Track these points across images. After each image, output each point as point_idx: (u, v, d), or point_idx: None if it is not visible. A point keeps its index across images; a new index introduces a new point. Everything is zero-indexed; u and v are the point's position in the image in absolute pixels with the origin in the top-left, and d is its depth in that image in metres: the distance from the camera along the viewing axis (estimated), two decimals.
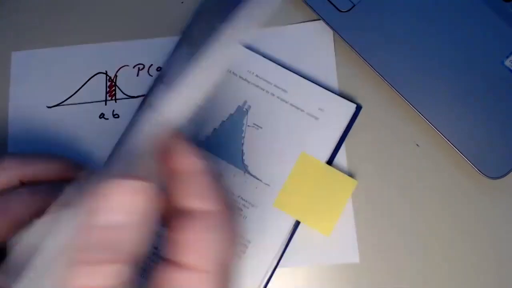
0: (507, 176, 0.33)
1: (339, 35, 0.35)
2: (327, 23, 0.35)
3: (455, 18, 0.35)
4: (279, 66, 0.36)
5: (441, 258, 0.34)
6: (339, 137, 0.35)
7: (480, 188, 0.35)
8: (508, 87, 0.34)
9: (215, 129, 0.35)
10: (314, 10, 0.36)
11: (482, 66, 0.34)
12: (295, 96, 0.35)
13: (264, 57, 0.36)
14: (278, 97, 0.35)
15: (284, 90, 0.35)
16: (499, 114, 0.34)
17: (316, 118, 0.35)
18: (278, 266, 0.33)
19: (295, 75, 0.35)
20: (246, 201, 0.34)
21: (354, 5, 0.35)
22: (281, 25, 0.38)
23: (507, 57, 0.34)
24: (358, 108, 0.36)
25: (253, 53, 0.36)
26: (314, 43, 0.37)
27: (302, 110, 0.35)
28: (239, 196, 0.34)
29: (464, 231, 0.35)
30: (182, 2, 0.38)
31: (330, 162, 0.34)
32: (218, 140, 0.35)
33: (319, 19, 0.36)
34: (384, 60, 0.35)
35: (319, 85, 0.35)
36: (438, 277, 0.34)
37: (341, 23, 0.35)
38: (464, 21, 0.35)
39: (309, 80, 0.35)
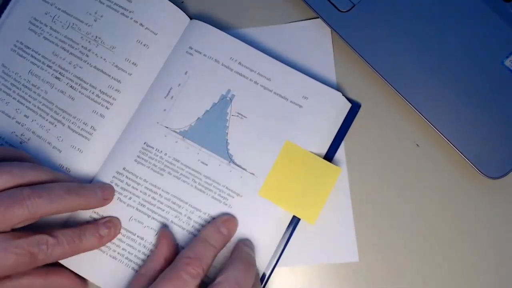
0: (507, 176, 0.33)
1: (339, 34, 0.35)
2: (327, 23, 0.35)
3: (455, 18, 0.35)
4: (263, 54, 0.35)
5: (441, 258, 0.34)
6: (330, 126, 0.34)
7: (480, 188, 0.35)
8: (508, 87, 0.34)
9: (198, 118, 0.34)
10: (314, 10, 0.36)
11: (482, 66, 0.34)
12: (278, 85, 0.35)
13: (248, 44, 0.35)
14: (261, 86, 0.35)
15: (268, 78, 0.35)
16: (499, 114, 0.34)
17: (300, 106, 0.34)
18: (278, 265, 0.33)
19: (278, 62, 0.35)
20: (231, 191, 0.33)
21: (354, 5, 0.35)
22: (279, 24, 0.38)
23: (507, 57, 0.34)
24: (357, 106, 0.36)
25: (235, 39, 0.35)
26: (313, 41, 0.37)
27: (286, 99, 0.34)
28: (224, 186, 0.33)
29: (464, 231, 0.35)
30: (182, 2, 0.38)
31: (329, 158, 0.34)
32: (201, 129, 0.34)
33: (317, 17, 0.36)
34: (384, 60, 0.35)
35: (304, 73, 0.35)
36: (438, 277, 0.34)
37: (341, 23, 0.35)
38: (464, 21, 0.35)
39: (293, 68, 0.35)
